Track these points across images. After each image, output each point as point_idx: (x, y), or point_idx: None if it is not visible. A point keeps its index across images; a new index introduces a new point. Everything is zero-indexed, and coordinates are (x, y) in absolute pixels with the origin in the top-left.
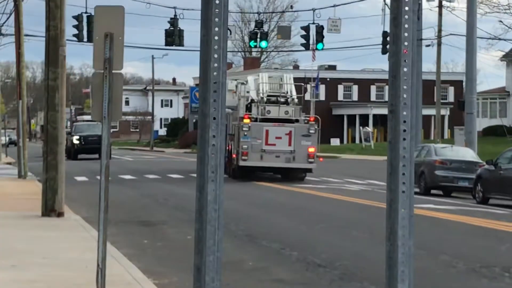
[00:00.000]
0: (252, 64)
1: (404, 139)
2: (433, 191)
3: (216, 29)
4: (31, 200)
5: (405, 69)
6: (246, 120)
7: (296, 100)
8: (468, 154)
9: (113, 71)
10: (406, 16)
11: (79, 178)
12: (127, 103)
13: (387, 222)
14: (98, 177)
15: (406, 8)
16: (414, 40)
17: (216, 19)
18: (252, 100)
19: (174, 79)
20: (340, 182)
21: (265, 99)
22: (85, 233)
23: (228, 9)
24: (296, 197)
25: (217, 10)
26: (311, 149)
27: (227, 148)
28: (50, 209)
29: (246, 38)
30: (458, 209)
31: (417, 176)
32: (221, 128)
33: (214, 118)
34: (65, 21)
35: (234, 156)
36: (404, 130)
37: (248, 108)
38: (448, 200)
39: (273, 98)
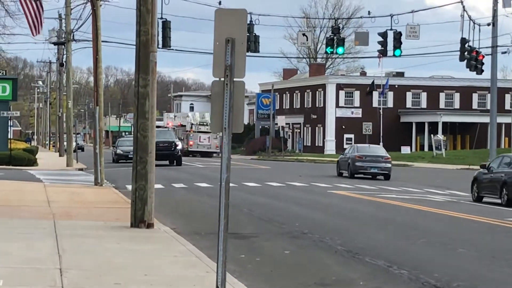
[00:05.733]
0: (317, 70)
1: None
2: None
3: None
4: (114, 210)
5: None
6: (191, 132)
7: None
8: (380, 150)
9: (234, 79)
10: None
11: (155, 186)
12: (191, 108)
13: None
14: (174, 185)
15: None
16: None
17: None
18: (192, 123)
19: None
20: (421, 192)
21: (198, 123)
22: (181, 246)
23: None
24: (382, 208)
25: None
26: (217, 144)
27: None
28: (139, 220)
29: (312, 44)
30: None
31: (347, 165)
32: None
33: None
34: (156, 26)
35: (186, 146)
36: None
37: (191, 126)
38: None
39: (201, 122)
